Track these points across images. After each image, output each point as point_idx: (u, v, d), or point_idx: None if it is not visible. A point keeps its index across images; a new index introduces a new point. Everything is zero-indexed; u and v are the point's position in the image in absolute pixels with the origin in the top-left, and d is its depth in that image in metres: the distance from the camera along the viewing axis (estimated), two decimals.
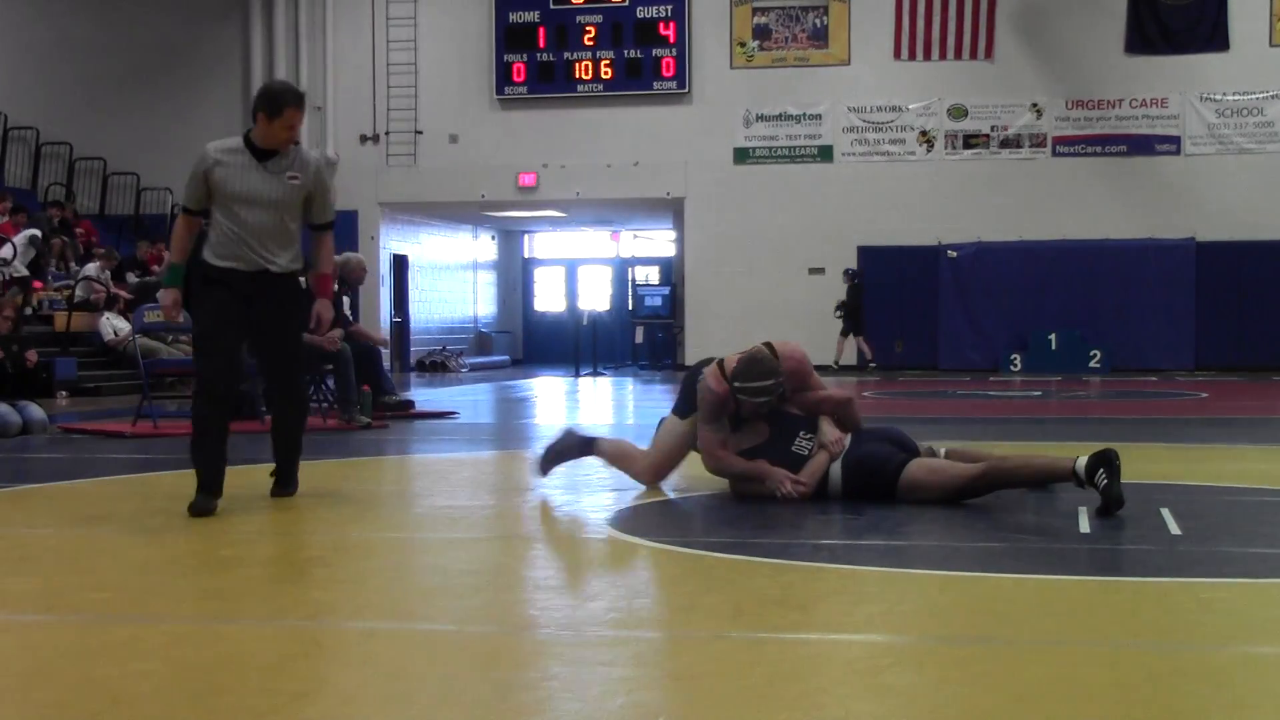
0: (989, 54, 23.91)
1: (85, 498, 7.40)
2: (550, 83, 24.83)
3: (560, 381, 21.72)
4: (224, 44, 25.52)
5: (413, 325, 26.61)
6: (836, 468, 6.74)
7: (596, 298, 30.71)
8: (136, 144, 24.97)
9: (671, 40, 24.53)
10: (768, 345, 7.00)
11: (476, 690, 3.54)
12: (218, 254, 6.56)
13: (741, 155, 24.61)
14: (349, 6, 25.35)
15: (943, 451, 7.05)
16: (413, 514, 6.86)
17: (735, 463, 6.89)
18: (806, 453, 6.78)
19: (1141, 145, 23.66)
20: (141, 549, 5.54)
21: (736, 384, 6.77)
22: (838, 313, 23.41)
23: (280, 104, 6.47)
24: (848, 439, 6.83)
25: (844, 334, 23.48)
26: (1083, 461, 6.24)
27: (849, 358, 23.66)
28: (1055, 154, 23.95)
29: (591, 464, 7.67)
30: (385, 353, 17.97)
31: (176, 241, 6.71)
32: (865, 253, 24.29)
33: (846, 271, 23.62)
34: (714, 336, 24.51)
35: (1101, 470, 6.15)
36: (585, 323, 25.51)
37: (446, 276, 28.35)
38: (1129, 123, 23.68)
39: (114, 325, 18.24)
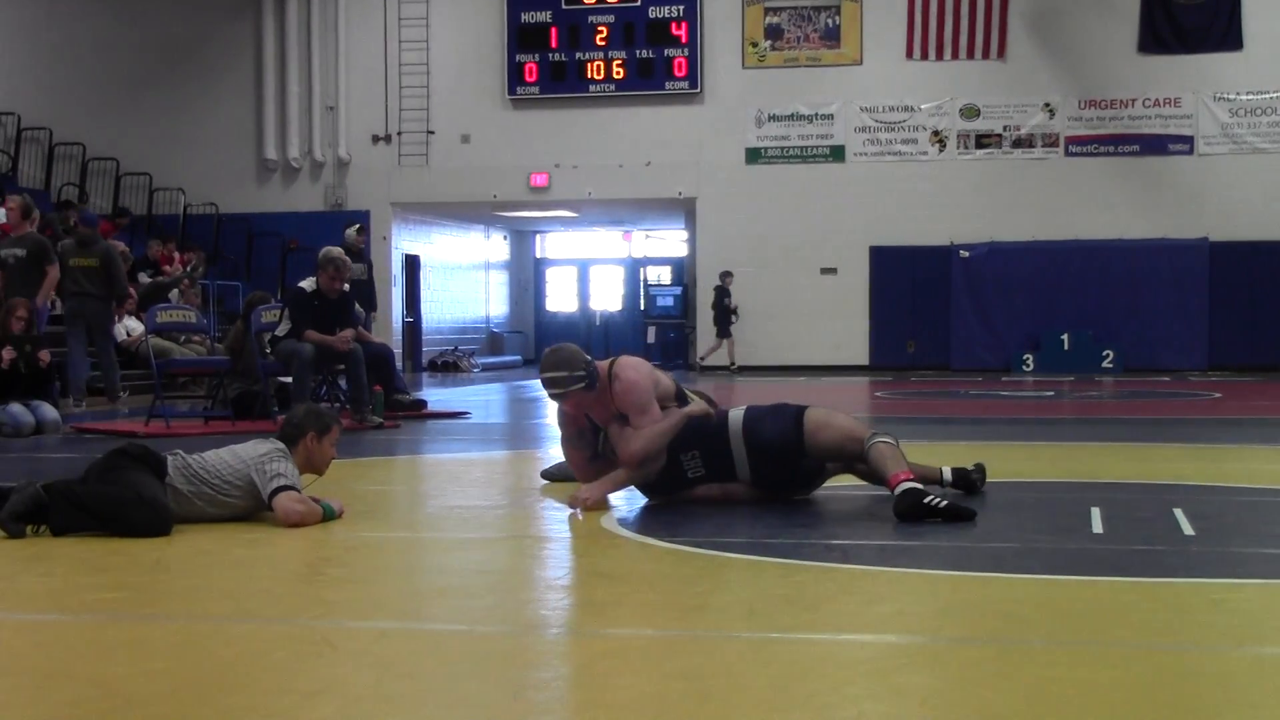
0: (1001, 54, 23.87)
1: None
2: (562, 83, 24.84)
3: None
4: (237, 44, 25.55)
5: (425, 325, 26.62)
6: (742, 453, 6.58)
7: (608, 298, 30.73)
8: (149, 144, 25.02)
9: (683, 40, 24.52)
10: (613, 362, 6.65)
11: (488, 691, 3.54)
12: None
13: (753, 155, 24.60)
14: (361, 6, 25.37)
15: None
16: (424, 514, 6.87)
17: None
18: (702, 472, 6.61)
19: (1154, 145, 23.61)
20: (153, 549, 5.55)
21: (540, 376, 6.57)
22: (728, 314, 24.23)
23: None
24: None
25: (720, 336, 24.06)
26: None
27: (720, 358, 23.99)
28: (1068, 154, 23.90)
29: None
30: (397, 353, 18.00)
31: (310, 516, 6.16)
32: (877, 253, 24.27)
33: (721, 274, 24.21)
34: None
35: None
36: (597, 323, 25.52)
37: (458, 276, 28.38)
38: (1142, 122, 23.63)
39: (126, 326, 18.27)
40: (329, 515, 6.14)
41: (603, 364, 6.62)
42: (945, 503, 6.06)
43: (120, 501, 5.82)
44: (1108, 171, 23.77)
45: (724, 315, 24.13)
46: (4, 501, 5.80)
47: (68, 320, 15.09)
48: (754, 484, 6.64)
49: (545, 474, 7.63)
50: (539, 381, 6.62)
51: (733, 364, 23.97)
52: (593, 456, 6.76)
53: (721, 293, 24.11)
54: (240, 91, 25.50)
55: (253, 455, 6.13)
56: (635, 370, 6.53)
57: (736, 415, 6.63)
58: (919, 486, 6.10)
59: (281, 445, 6.20)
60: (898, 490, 6.10)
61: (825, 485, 6.92)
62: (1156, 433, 11.53)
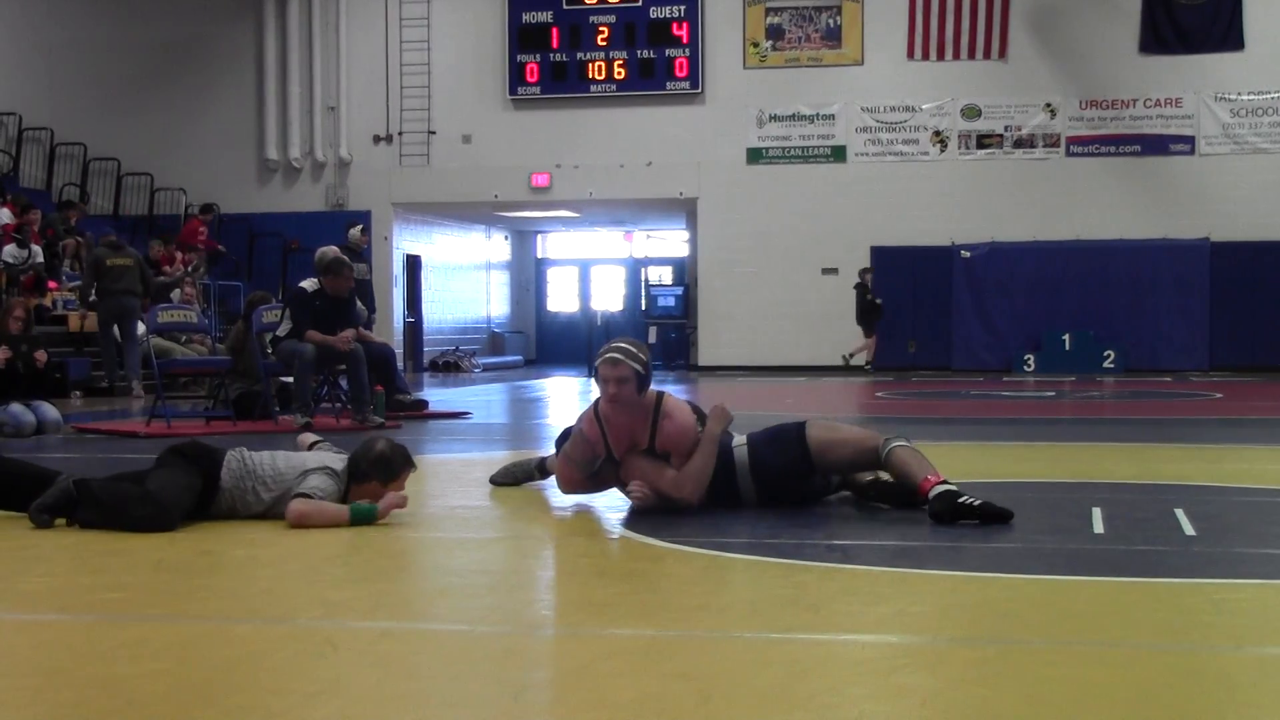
0: (1002, 54, 23.87)
1: None
2: (563, 83, 24.85)
3: (573, 382, 21.72)
4: (238, 44, 25.57)
5: (426, 325, 26.63)
6: (749, 484, 6.48)
7: (609, 298, 30.73)
8: (150, 144, 25.04)
9: (684, 40, 24.52)
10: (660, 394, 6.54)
11: (489, 690, 3.54)
12: None
13: (754, 155, 24.60)
14: (362, 6, 25.38)
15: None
16: (425, 514, 6.86)
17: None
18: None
19: (1156, 145, 23.61)
20: (155, 549, 5.55)
21: (603, 348, 6.41)
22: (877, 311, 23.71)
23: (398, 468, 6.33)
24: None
25: (867, 335, 23.68)
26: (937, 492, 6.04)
27: (858, 357, 23.82)
28: (1069, 154, 23.90)
29: None
30: (398, 353, 18.02)
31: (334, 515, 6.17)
32: (878, 253, 24.27)
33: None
34: (726, 337, 24.57)
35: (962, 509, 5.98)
36: (598, 323, 25.51)
37: (459, 277, 28.38)
38: (1143, 123, 23.63)
39: None
40: (362, 517, 6.06)
41: (649, 392, 6.47)
42: (980, 502, 6.00)
43: (124, 497, 5.94)
44: (1109, 172, 23.77)
45: (867, 312, 23.68)
46: (44, 490, 6.02)
47: (102, 317, 16.31)
48: (760, 504, 6.58)
49: (493, 479, 7.56)
50: (606, 347, 6.39)
51: (868, 364, 23.68)
52: (587, 479, 6.67)
53: (862, 290, 23.67)
54: (241, 92, 25.52)
55: (302, 464, 6.24)
56: (684, 413, 6.46)
57: (741, 453, 6.48)
58: (953, 488, 6.04)
59: (334, 467, 6.22)
60: (932, 494, 6.02)
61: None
62: (1157, 433, 11.52)
